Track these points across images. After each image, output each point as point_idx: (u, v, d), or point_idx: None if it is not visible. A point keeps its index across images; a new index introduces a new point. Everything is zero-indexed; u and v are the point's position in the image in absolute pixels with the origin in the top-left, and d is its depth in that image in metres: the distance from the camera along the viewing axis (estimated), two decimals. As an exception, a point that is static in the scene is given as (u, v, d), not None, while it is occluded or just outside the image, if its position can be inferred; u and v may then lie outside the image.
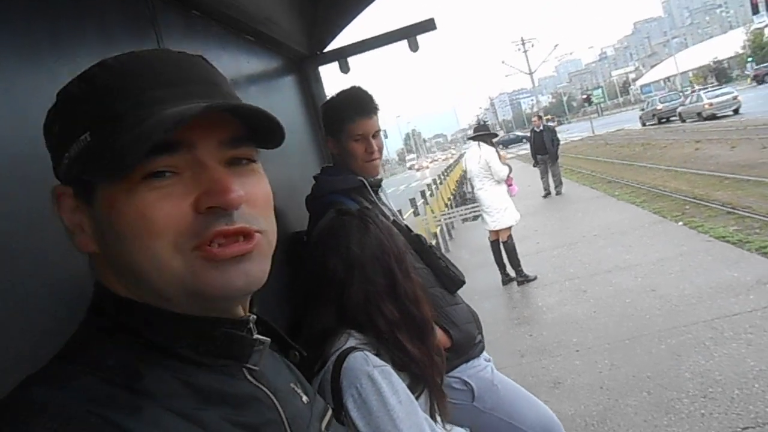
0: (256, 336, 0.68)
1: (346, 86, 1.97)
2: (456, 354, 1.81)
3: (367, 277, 1.39)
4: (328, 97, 2.08)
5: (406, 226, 1.99)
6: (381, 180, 2.00)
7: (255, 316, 0.69)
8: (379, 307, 1.37)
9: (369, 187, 1.86)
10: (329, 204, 1.69)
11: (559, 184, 13.43)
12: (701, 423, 3.10)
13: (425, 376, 1.40)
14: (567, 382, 4.03)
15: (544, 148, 12.82)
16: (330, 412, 0.83)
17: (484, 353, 1.95)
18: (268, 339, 0.69)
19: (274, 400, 0.68)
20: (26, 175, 0.85)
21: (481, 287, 6.82)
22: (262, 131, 0.64)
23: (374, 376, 1.27)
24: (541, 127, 12.92)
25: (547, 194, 13.42)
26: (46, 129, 0.63)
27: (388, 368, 1.31)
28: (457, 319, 1.83)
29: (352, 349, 1.32)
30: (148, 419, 0.53)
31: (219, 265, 0.59)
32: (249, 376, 0.66)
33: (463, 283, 1.91)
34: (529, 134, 13.46)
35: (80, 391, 0.53)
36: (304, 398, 0.78)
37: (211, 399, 0.60)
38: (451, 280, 1.88)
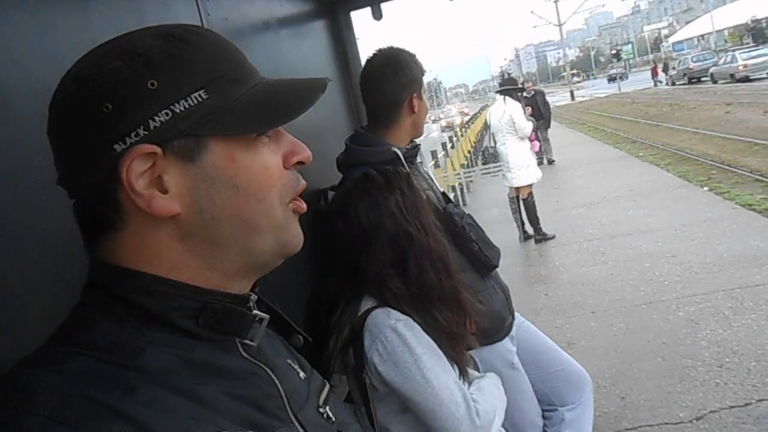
0: (255, 312, 0.69)
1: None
2: (480, 337, 1.79)
3: (376, 248, 1.36)
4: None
5: (443, 193, 1.94)
6: (418, 147, 1.94)
7: (256, 296, 0.71)
8: (386, 281, 1.34)
9: (403, 159, 1.79)
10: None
11: (550, 151, 12.64)
12: (715, 392, 3.11)
13: (439, 343, 1.37)
14: (581, 343, 4.04)
15: (539, 114, 11.70)
16: (327, 388, 0.83)
17: (516, 314, 1.95)
18: (267, 316, 0.70)
19: (272, 375, 0.68)
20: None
21: (497, 243, 6.75)
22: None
23: (398, 328, 1.28)
24: (533, 92, 12.01)
25: (541, 162, 12.07)
26: (130, 84, 0.57)
27: (411, 321, 1.30)
28: (486, 306, 1.79)
29: (372, 308, 1.31)
30: (143, 399, 0.53)
31: (296, 219, 0.69)
32: (245, 353, 0.67)
33: (495, 267, 1.87)
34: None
35: (74, 373, 0.52)
36: (301, 374, 0.78)
37: (209, 373, 0.60)
38: (483, 264, 1.83)
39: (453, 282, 1.39)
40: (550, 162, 12.37)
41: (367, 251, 1.34)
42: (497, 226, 7.41)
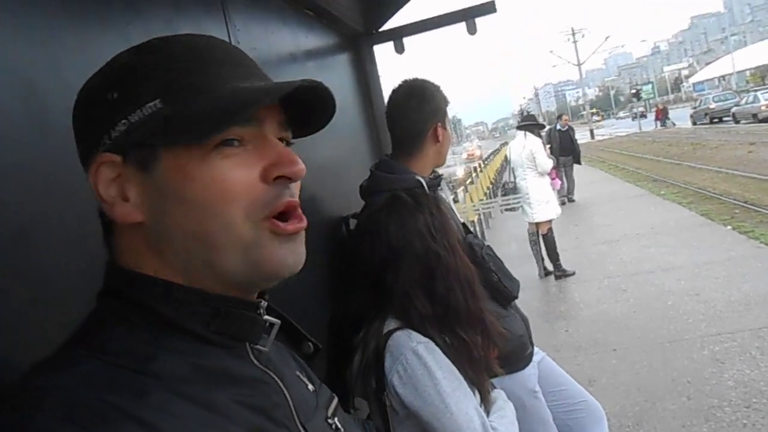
0: (266, 317, 0.69)
1: (400, 67, 1.94)
2: (502, 364, 1.78)
3: (404, 267, 1.37)
4: (396, 80, 1.98)
5: (463, 224, 1.96)
6: (441, 177, 1.97)
7: (266, 303, 0.71)
8: (412, 300, 1.35)
9: (427, 187, 1.82)
10: None
11: (574, 189, 12.36)
12: (743, 433, 3.01)
13: (459, 366, 1.36)
14: (602, 380, 3.96)
15: (570, 149, 11.59)
16: (336, 401, 0.83)
17: (537, 349, 1.94)
18: (278, 321, 0.70)
19: (281, 385, 0.68)
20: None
21: (517, 278, 6.73)
22: (307, 118, 0.70)
23: (419, 351, 1.27)
24: (567, 126, 11.85)
25: (563, 203, 11.50)
26: (92, 96, 0.63)
27: (432, 344, 1.30)
28: (507, 332, 1.79)
29: (394, 329, 1.32)
30: (155, 403, 0.53)
31: (282, 241, 0.63)
32: (256, 361, 0.67)
33: (515, 298, 1.87)
34: (548, 133, 11.61)
35: (86, 376, 0.53)
36: (310, 386, 0.78)
37: (220, 380, 0.61)
38: (502, 295, 1.83)
39: (478, 304, 1.40)
40: (570, 200, 12.13)
41: (394, 269, 1.35)
42: (516, 261, 7.34)
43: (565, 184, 11.94)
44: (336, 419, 0.78)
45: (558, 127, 11.82)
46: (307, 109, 0.68)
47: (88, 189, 0.79)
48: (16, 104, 0.78)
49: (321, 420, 0.75)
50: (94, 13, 0.97)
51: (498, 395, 1.51)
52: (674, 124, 35.83)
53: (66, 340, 0.60)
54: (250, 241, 0.61)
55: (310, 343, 0.81)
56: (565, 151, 11.56)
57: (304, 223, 0.65)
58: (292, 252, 0.64)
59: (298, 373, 0.78)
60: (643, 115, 46.28)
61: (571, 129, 11.99)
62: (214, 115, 0.58)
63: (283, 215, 0.63)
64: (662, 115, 38.37)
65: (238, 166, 0.61)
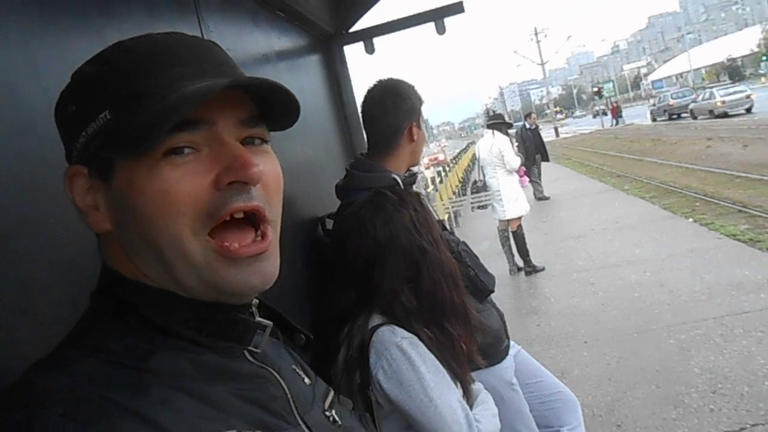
0: (257, 319, 0.69)
1: (371, 67, 1.95)
2: (481, 357, 1.81)
3: (390, 262, 1.38)
4: (372, 81, 1.96)
5: (440, 221, 1.99)
6: (415, 176, 1.99)
7: (257, 301, 0.71)
8: (398, 295, 1.36)
9: (402, 185, 1.84)
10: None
11: (541, 188, 12.31)
12: (710, 418, 3.12)
13: (440, 359, 1.38)
14: (574, 372, 4.04)
15: (542, 147, 11.72)
16: (332, 394, 0.83)
17: (512, 343, 1.98)
18: (270, 323, 0.69)
19: (278, 378, 0.69)
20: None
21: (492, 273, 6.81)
22: (278, 111, 0.65)
23: (403, 346, 1.29)
24: (534, 125, 11.86)
25: (542, 198, 12.10)
26: (60, 109, 0.63)
27: (416, 339, 1.32)
28: (484, 326, 1.82)
29: (379, 325, 1.33)
30: (155, 399, 0.53)
31: (236, 264, 0.60)
32: (251, 358, 0.67)
33: (491, 292, 1.91)
34: (519, 132, 11.58)
35: (86, 374, 0.53)
36: (306, 380, 0.78)
37: (218, 376, 0.61)
38: (479, 290, 1.86)
39: (462, 297, 1.42)
40: (542, 198, 12.09)
41: (381, 266, 1.37)
42: (487, 258, 7.36)
43: (540, 183, 12.12)
44: (333, 411, 0.78)
45: (527, 125, 11.86)
46: (269, 106, 0.64)
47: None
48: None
49: (319, 412, 0.75)
50: (70, 16, 0.96)
51: (479, 388, 1.54)
52: (624, 122, 36.88)
53: (64, 340, 0.59)
54: (199, 260, 0.59)
55: (302, 335, 0.82)
56: (539, 148, 11.65)
57: (265, 245, 0.62)
58: (258, 272, 0.61)
59: (294, 366, 0.78)
60: (604, 113, 47.36)
61: (538, 127, 12.13)
62: (151, 122, 0.55)
63: (242, 223, 0.61)
64: (616, 113, 39.69)
65: (188, 175, 0.57)
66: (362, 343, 1.30)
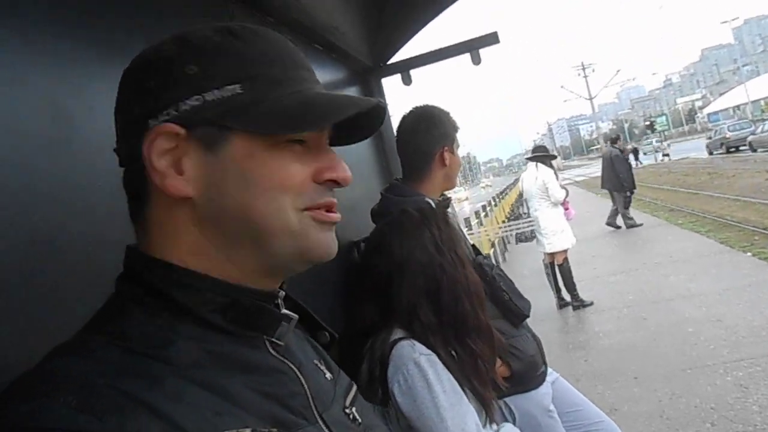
0: (284, 311, 0.70)
1: (407, 99, 2.00)
2: (515, 383, 1.78)
3: (408, 278, 1.40)
4: (411, 109, 2.00)
5: (473, 245, 2.00)
6: (449, 201, 2.01)
7: (283, 293, 0.72)
8: (416, 311, 1.37)
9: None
10: None
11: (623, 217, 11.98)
12: (770, 458, 2.93)
13: (462, 378, 1.37)
14: (624, 409, 3.88)
15: (628, 176, 11.08)
16: (354, 389, 0.83)
17: (550, 370, 1.94)
18: (296, 315, 0.71)
19: (298, 374, 0.69)
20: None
21: (535, 310, 6.59)
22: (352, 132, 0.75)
23: (420, 362, 1.29)
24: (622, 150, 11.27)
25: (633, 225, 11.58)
26: (164, 66, 0.63)
27: (434, 357, 1.32)
28: (519, 351, 1.81)
29: (399, 339, 1.34)
30: (169, 392, 0.53)
31: (323, 228, 0.68)
32: (273, 351, 0.67)
33: (527, 317, 1.90)
34: (612, 160, 11.02)
35: (102, 362, 0.53)
36: (328, 375, 0.78)
37: (236, 368, 0.61)
38: (514, 314, 1.86)
39: (486, 316, 1.42)
40: (633, 226, 11.55)
41: (399, 282, 1.39)
42: (533, 293, 7.26)
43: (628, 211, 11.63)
44: (354, 409, 0.78)
45: (617, 151, 11.12)
46: (351, 124, 0.71)
47: (100, 198, 0.85)
48: (44, 121, 0.85)
49: (339, 410, 0.74)
50: (114, 48, 1.02)
51: (507, 427, 1.50)
52: (641, 163, 35.73)
53: (86, 325, 0.61)
54: (298, 229, 0.65)
55: (327, 333, 0.83)
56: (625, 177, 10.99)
57: (339, 217, 0.71)
58: (332, 239, 0.70)
59: (316, 361, 0.78)
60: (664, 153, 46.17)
61: (627, 152, 11.43)
62: (301, 114, 0.63)
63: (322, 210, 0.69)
64: (635, 154, 38.73)
65: (298, 163, 0.66)
66: (383, 356, 1.31)
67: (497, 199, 16.34)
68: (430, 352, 1.32)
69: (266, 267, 0.67)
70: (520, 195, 10.83)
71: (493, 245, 9.67)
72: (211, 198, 0.63)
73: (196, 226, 0.64)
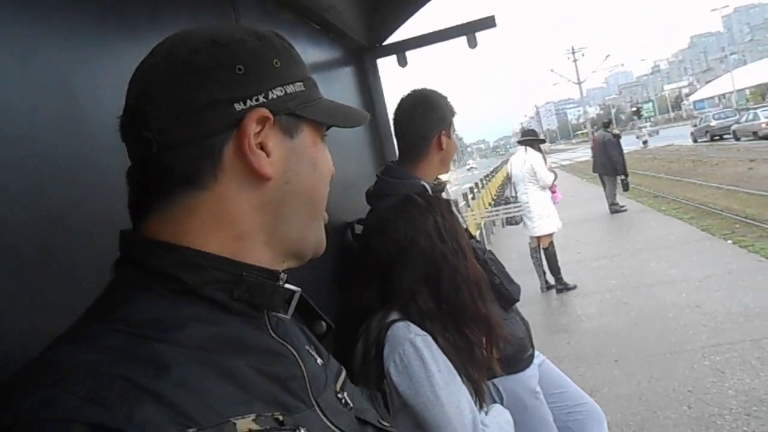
0: (287, 286, 0.71)
1: (403, 80, 2.00)
2: (504, 365, 1.81)
3: (409, 264, 1.41)
4: (404, 92, 2.01)
5: (466, 229, 2.02)
6: (445, 184, 2.02)
7: (285, 275, 0.72)
8: (414, 297, 1.39)
9: (431, 192, 1.87)
10: None
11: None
12: (743, 440, 3.04)
13: (458, 364, 1.38)
14: (604, 390, 3.98)
15: (620, 158, 11.11)
16: (344, 374, 0.83)
17: (537, 353, 1.98)
18: (299, 289, 0.72)
19: (297, 357, 0.69)
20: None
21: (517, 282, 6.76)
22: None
23: (416, 342, 1.32)
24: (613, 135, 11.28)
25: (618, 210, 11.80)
26: (250, 54, 0.65)
27: (429, 338, 1.34)
28: (509, 334, 1.84)
29: (395, 320, 1.37)
30: (175, 378, 0.53)
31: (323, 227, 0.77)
32: (273, 333, 0.68)
33: (516, 301, 1.93)
34: (604, 143, 11.03)
35: (108, 350, 0.53)
36: (319, 360, 0.78)
37: (239, 348, 0.62)
38: (504, 297, 1.88)
39: (486, 305, 1.44)
40: (618, 211, 11.77)
41: (400, 267, 1.40)
42: (519, 275, 7.30)
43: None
44: (345, 393, 0.79)
45: (609, 134, 11.15)
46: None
47: (112, 179, 0.86)
48: (55, 98, 0.85)
49: (331, 394, 0.75)
50: (122, 26, 1.03)
51: (497, 408, 1.54)
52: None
53: (86, 312, 0.60)
54: (321, 219, 0.75)
55: (323, 322, 0.83)
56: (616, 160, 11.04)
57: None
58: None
59: (307, 347, 0.79)
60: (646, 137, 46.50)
61: (618, 136, 11.47)
62: (343, 114, 0.77)
63: None
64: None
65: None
66: (378, 337, 1.33)
67: (484, 182, 16.39)
68: (425, 333, 1.35)
69: (292, 252, 0.73)
70: (508, 178, 10.85)
71: (479, 228, 9.73)
72: (287, 180, 0.69)
73: (256, 210, 0.67)
